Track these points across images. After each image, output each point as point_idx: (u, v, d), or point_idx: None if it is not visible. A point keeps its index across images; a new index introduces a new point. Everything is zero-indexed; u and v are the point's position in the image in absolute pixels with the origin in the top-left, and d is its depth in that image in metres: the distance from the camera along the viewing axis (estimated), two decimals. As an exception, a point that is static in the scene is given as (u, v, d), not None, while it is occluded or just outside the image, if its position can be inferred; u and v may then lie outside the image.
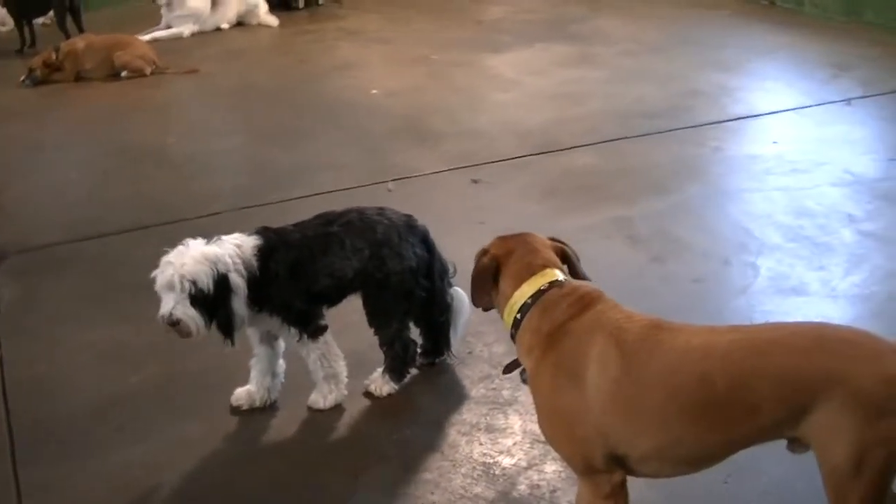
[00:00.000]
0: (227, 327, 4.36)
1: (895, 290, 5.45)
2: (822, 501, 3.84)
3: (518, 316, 3.27)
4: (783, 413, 3.04)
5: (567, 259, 3.44)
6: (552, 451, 4.20)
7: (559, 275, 3.31)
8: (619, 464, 3.21)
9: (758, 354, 3.07)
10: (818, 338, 3.10)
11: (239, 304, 4.34)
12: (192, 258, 4.25)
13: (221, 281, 4.26)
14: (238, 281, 4.31)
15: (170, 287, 4.22)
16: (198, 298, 4.22)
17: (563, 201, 6.86)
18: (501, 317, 3.39)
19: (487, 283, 3.36)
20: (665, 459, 3.21)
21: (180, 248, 4.32)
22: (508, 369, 3.48)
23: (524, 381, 3.42)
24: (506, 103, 9.23)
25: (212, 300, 4.25)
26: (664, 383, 3.08)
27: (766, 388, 3.03)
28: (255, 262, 4.38)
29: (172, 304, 4.21)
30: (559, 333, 3.18)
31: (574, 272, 3.44)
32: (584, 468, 3.24)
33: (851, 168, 7.10)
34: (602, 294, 3.30)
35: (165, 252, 4.31)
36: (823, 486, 3.10)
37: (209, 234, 4.43)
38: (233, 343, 4.42)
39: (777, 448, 3.28)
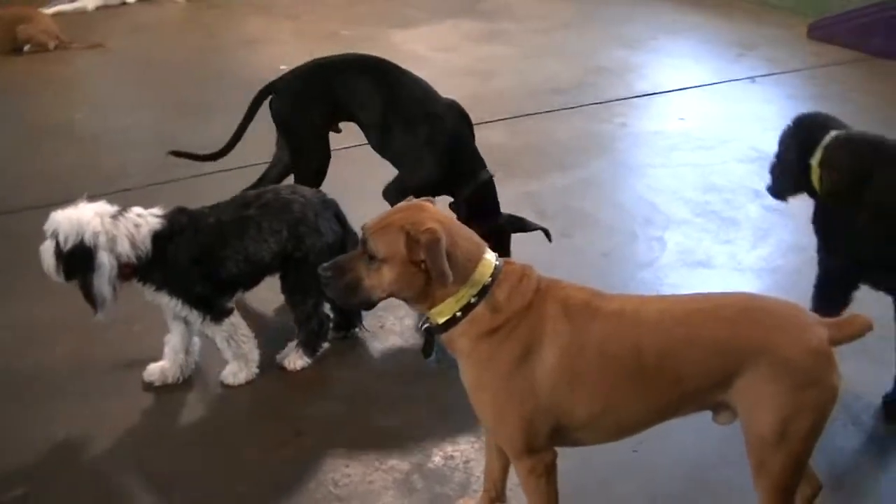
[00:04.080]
0: (88, 298, 4.35)
1: (800, 264, 5.56)
2: (728, 468, 3.99)
3: (473, 300, 3.14)
4: (710, 381, 3.14)
5: None
6: (465, 421, 4.30)
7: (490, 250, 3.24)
8: (557, 437, 3.26)
9: (685, 324, 3.15)
10: (745, 308, 3.20)
11: (101, 282, 4.30)
12: (67, 215, 4.26)
13: (80, 251, 4.25)
14: (104, 259, 4.27)
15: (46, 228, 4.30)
16: (58, 252, 4.26)
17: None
18: (431, 304, 3.17)
19: (445, 262, 3.04)
20: (599, 428, 3.27)
21: (81, 202, 4.34)
22: (428, 352, 3.35)
23: (433, 362, 3.37)
24: (416, 80, 9.21)
25: (66, 261, 4.26)
26: (601, 350, 3.13)
27: (693, 356, 3.12)
28: (147, 244, 4.36)
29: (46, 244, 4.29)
30: (524, 311, 3.14)
31: None
32: (525, 447, 3.24)
33: (757, 144, 7.24)
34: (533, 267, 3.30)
35: None
36: (747, 453, 3.20)
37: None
38: (97, 313, 4.39)
39: (685, 418, 3.37)
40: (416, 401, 4.56)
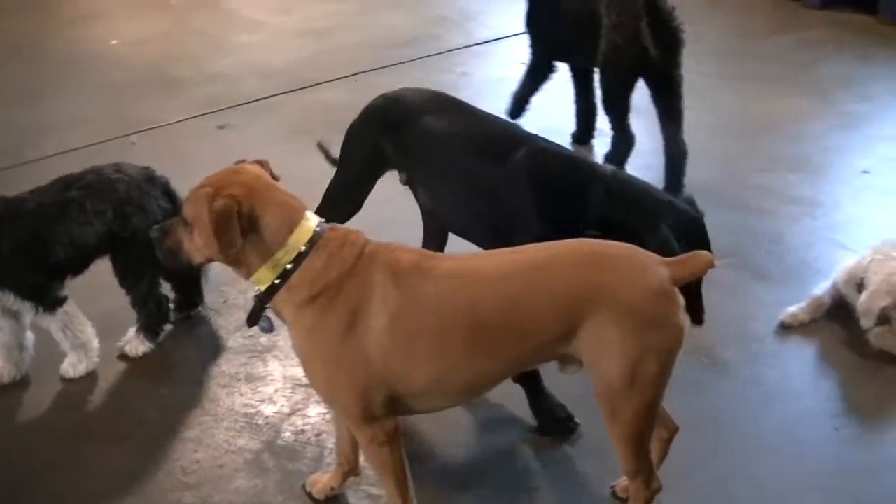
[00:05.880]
0: None
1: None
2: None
3: (290, 266, 3.05)
4: (554, 331, 3.07)
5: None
6: (315, 394, 4.18)
7: (313, 215, 3.16)
8: (395, 406, 3.18)
9: (522, 276, 3.08)
10: (583, 254, 3.14)
11: None
12: None
13: None
14: None
15: None
16: None
17: (314, 138, 6.73)
18: (248, 271, 3.10)
19: (236, 230, 3.00)
20: (442, 392, 3.19)
21: None
22: (253, 321, 3.27)
23: (266, 329, 3.29)
24: (251, 44, 9.03)
25: None
26: (436, 311, 3.05)
27: (534, 308, 3.05)
28: None
29: None
30: (345, 279, 3.05)
31: None
32: (363, 417, 3.16)
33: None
34: (362, 232, 3.21)
35: None
36: (597, 400, 3.16)
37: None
38: None
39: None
40: (263, 377, 4.46)
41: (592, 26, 5.71)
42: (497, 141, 4.03)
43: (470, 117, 4.25)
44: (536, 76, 6.64)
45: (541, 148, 3.95)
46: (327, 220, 3.30)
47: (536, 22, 6.46)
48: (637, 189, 3.78)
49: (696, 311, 3.50)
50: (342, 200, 4.51)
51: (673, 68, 5.71)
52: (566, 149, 4.13)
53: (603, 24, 5.61)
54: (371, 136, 4.36)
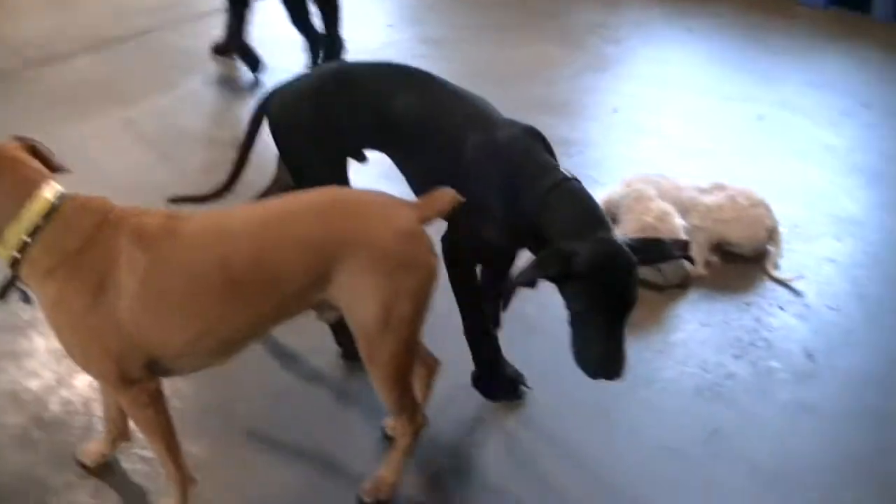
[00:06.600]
0: None
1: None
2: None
3: (28, 239, 2.99)
4: (306, 281, 3.09)
5: (39, 155, 3.16)
6: (81, 364, 4.12)
7: (57, 185, 3.08)
8: (154, 369, 3.14)
9: (272, 227, 3.08)
10: (330, 201, 3.16)
11: None
12: None
13: None
14: None
15: None
16: None
17: (66, 110, 6.59)
18: None
19: None
20: (201, 351, 3.16)
21: None
22: (2, 294, 3.15)
23: (27, 300, 3.22)
24: (-6, 17, 8.72)
25: None
26: (185, 272, 3.02)
27: (283, 259, 3.05)
28: None
29: None
30: (87, 247, 2.99)
31: (51, 167, 3.17)
32: (122, 381, 3.11)
33: (355, 37, 7.16)
34: (108, 199, 3.14)
35: None
36: (357, 345, 3.21)
37: None
38: None
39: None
40: (27, 352, 4.33)
41: None
42: (458, 123, 3.69)
43: (437, 93, 3.83)
44: (237, 7, 7.06)
45: (486, 136, 3.63)
46: None
47: None
48: (569, 204, 3.46)
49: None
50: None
51: None
52: (521, 136, 3.68)
53: None
54: (327, 115, 3.82)
